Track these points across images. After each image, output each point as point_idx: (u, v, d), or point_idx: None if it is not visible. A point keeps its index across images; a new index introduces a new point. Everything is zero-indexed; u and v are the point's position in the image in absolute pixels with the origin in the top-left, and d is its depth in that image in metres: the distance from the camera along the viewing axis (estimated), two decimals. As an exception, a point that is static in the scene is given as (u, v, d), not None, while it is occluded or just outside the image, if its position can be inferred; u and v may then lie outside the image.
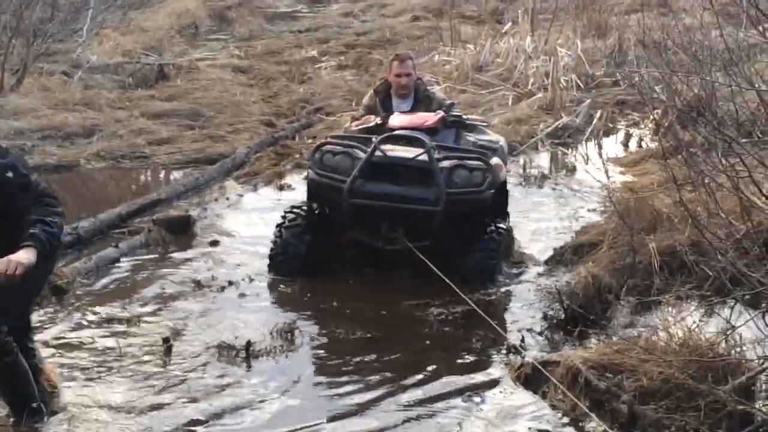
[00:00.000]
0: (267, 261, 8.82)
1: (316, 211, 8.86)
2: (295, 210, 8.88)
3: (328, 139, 9.12)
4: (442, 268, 7.93)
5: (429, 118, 8.94)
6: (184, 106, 16.19)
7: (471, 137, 9.27)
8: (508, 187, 9.56)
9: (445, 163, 8.38)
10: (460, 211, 8.32)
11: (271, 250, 8.79)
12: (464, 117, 9.39)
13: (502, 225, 8.69)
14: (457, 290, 7.64)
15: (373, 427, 6.25)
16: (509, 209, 9.50)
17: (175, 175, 12.92)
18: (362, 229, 8.55)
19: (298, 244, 8.66)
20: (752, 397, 5.90)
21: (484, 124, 10.18)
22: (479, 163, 8.44)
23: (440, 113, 9.04)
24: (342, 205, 8.37)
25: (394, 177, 8.36)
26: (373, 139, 8.51)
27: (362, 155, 8.41)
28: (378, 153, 8.40)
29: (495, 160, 8.80)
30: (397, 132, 8.73)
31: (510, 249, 8.93)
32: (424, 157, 8.33)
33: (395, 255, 8.44)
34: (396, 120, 8.96)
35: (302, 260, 8.63)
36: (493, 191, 8.50)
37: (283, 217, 8.85)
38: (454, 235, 8.44)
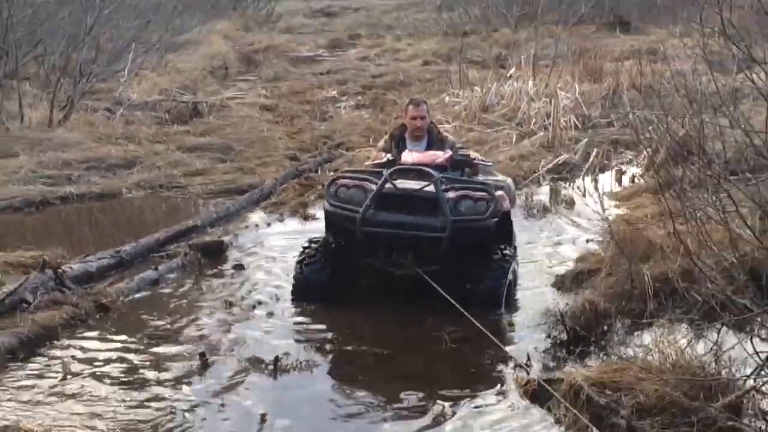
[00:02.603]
0: (292, 282, 8.76)
1: (333, 244, 8.77)
2: (313, 245, 8.77)
3: (343, 173, 9.08)
4: (453, 293, 7.90)
5: (438, 156, 8.91)
6: (216, 141, 16.30)
7: (480, 177, 9.26)
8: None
9: (451, 194, 8.31)
10: (465, 237, 8.24)
11: (294, 283, 8.72)
12: (472, 157, 9.35)
13: (508, 251, 8.65)
14: (465, 312, 7.60)
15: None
16: (516, 243, 9.48)
17: (209, 203, 12.91)
18: (375, 256, 8.48)
19: (318, 278, 8.58)
20: (741, 414, 5.86)
21: (489, 164, 10.15)
22: (483, 193, 8.39)
23: (448, 152, 9.02)
24: (355, 234, 8.29)
25: (404, 207, 8.29)
26: (384, 173, 8.46)
27: (374, 187, 8.35)
28: (388, 185, 8.35)
29: (498, 192, 8.75)
30: (405, 166, 8.70)
31: (516, 276, 8.89)
32: (431, 188, 8.28)
33: (408, 281, 8.38)
34: (408, 156, 8.93)
35: (323, 291, 8.56)
36: (496, 219, 8.43)
37: (302, 253, 8.75)
38: (462, 260, 8.38)
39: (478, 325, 7.37)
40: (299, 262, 8.72)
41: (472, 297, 8.16)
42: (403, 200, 8.32)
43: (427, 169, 8.44)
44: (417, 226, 8.21)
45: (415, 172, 8.52)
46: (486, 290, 8.31)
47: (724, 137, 10.16)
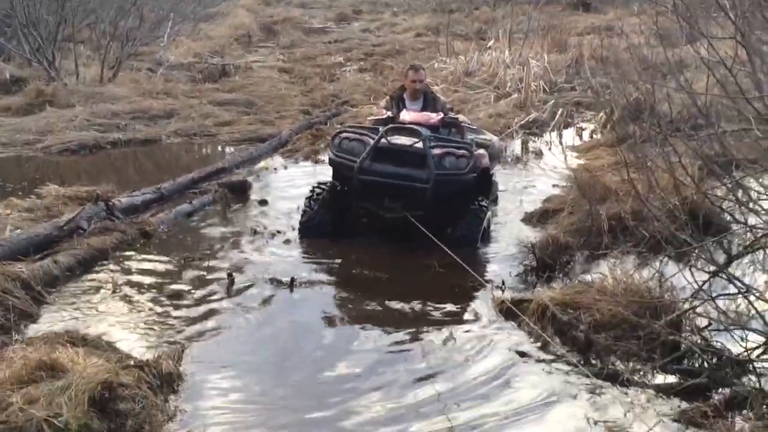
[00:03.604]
0: (299, 221, 8.62)
1: (337, 189, 8.62)
2: (320, 186, 8.69)
3: (346, 128, 8.93)
4: (437, 234, 7.75)
5: (432, 117, 8.77)
6: (240, 97, 16.18)
7: (471, 135, 9.18)
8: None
9: (437, 151, 8.16)
10: (446, 189, 8.08)
11: (302, 218, 8.60)
12: (460, 120, 9.23)
13: (484, 203, 8.53)
14: (442, 246, 7.44)
15: (382, 339, 6.28)
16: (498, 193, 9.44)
17: (235, 149, 12.85)
18: (369, 201, 8.33)
19: (321, 219, 8.46)
20: (680, 330, 5.87)
21: (474, 127, 10.08)
22: (464, 151, 8.23)
23: (441, 114, 8.92)
24: (353, 181, 8.22)
25: (396, 160, 8.16)
26: (381, 129, 8.33)
27: (372, 141, 8.23)
28: (384, 140, 8.23)
29: (479, 151, 8.63)
30: (400, 125, 8.55)
31: (489, 222, 8.80)
32: (420, 145, 8.15)
33: (399, 223, 8.19)
34: (406, 115, 8.80)
35: (326, 227, 8.44)
36: (474, 174, 8.28)
37: (311, 192, 8.67)
38: (444, 208, 8.22)
39: (455, 257, 7.24)
40: (307, 198, 8.64)
41: (451, 239, 8.07)
42: (396, 154, 8.19)
43: (418, 128, 8.34)
44: (406, 177, 8.07)
45: (407, 130, 8.38)
46: (463, 234, 8.21)
47: (671, 100, 10.17)
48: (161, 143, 13.19)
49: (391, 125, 8.48)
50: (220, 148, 13.19)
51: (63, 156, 12.16)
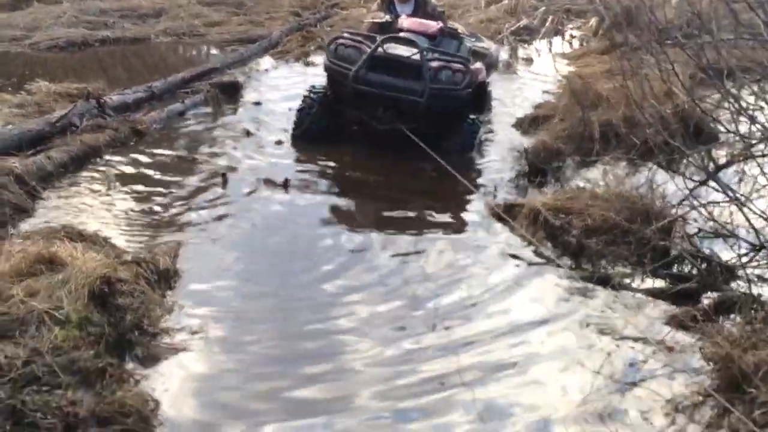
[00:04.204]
0: (292, 126, 8.46)
1: (330, 95, 8.36)
2: (315, 91, 8.44)
3: (343, 34, 8.60)
4: (430, 144, 7.57)
5: (431, 26, 8.59)
6: (231, -3, 15.89)
7: (470, 43, 9.02)
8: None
9: (434, 64, 7.98)
10: (440, 103, 7.91)
11: (295, 122, 8.42)
12: (460, 31, 9.04)
13: (478, 120, 8.38)
14: (433, 154, 7.30)
15: (375, 242, 6.25)
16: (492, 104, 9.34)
17: (225, 49, 12.68)
18: (362, 110, 8.15)
19: (317, 120, 8.30)
20: (671, 236, 5.89)
21: (472, 38, 9.92)
22: (461, 66, 8.05)
23: (440, 24, 8.73)
24: (347, 89, 8.01)
25: (391, 70, 7.95)
26: (378, 38, 8.12)
27: (368, 50, 8.01)
28: (380, 50, 8.01)
29: (476, 65, 8.47)
30: (398, 34, 8.35)
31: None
32: (417, 56, 7.98)
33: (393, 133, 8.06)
34: (405, 22, 8.62)
35: (320, 132, 8.28)
36: (470, 90, 8.11)
37: (305, 96, 8.42)
38: (438, 121, 8.04)
39: (448, 167, 7.10)
40: (300, 110, 8.41)
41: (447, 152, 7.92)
42: (392, 65, 7.98)
43: (416, 39, 8.14)
44: (400, 88, 7.88)
45: (405, 40, 8.19)
46: (456, 150, 8.00)
47: (665, 5, 10.03)
48: (150, 42, 13.01)
49: (388, 35, 8.27)
50: (210, 49, 13.00)
51: (51, 52, 11.98)
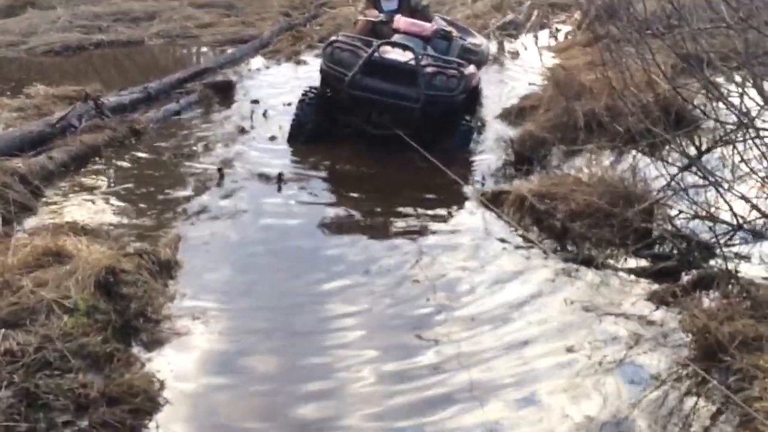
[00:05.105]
0: (290, 116, 8.56)
1: (325, 96, 8.38)
2: (309, 95, 8.41)
3: (339, 37, 8.56)
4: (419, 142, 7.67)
5: (426, 28, 8.60)
6: (221, -1, 16.04)
7: (461, 40, 9.12)
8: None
9: (429, 69, 8.00)
10: (435, 109, 7.94)
11: (293, 123, 8.39)
12: (454, 35, 9.08)
13: (472, 123, 8.47)
14: (419, 148, 7.41)
15: (367, 230, 6.40)
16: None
17: (217, 50, 12.83)
18: (357, 115, 8.18)
19: (313, 120, 8.30)
20: (652, 218, 6.06)
21: (464, 28, 10.04)
22: (456, 72, 8.06)
23: (435, 26, 8.77)
24: (342, 93, 8.05)
25: (387, 76, 7.97)
26: (374, 43, 8.14)
27: (364, 54, 8.04)
28: (376, 54, 8.04)
29: (470, 69, 8.46)
30: (395, 39, 8.37)
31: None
32: (413, 62, 7.98)
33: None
34: (400, 23, 8.63)
35: (314, 132, 8.29)
36: (464, 95, 8.17)
37: (301, 100, 8.40)
38: (432, 126, 8.05)
39: (434, 161, 7.23)
40: (296, 116, 8.39)
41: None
42: (387, 70, 8.00)
43: (412, 45, 8.13)
44: (395, 94, 7.89)
45: (401, 45, 8.19)
46: (455, 148, 8.09)
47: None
48: (144, 45, 13.14)
49: (384, 41, 8.28)
50: (202, 50, 13.14)
51: (47, 57, 12.12)
